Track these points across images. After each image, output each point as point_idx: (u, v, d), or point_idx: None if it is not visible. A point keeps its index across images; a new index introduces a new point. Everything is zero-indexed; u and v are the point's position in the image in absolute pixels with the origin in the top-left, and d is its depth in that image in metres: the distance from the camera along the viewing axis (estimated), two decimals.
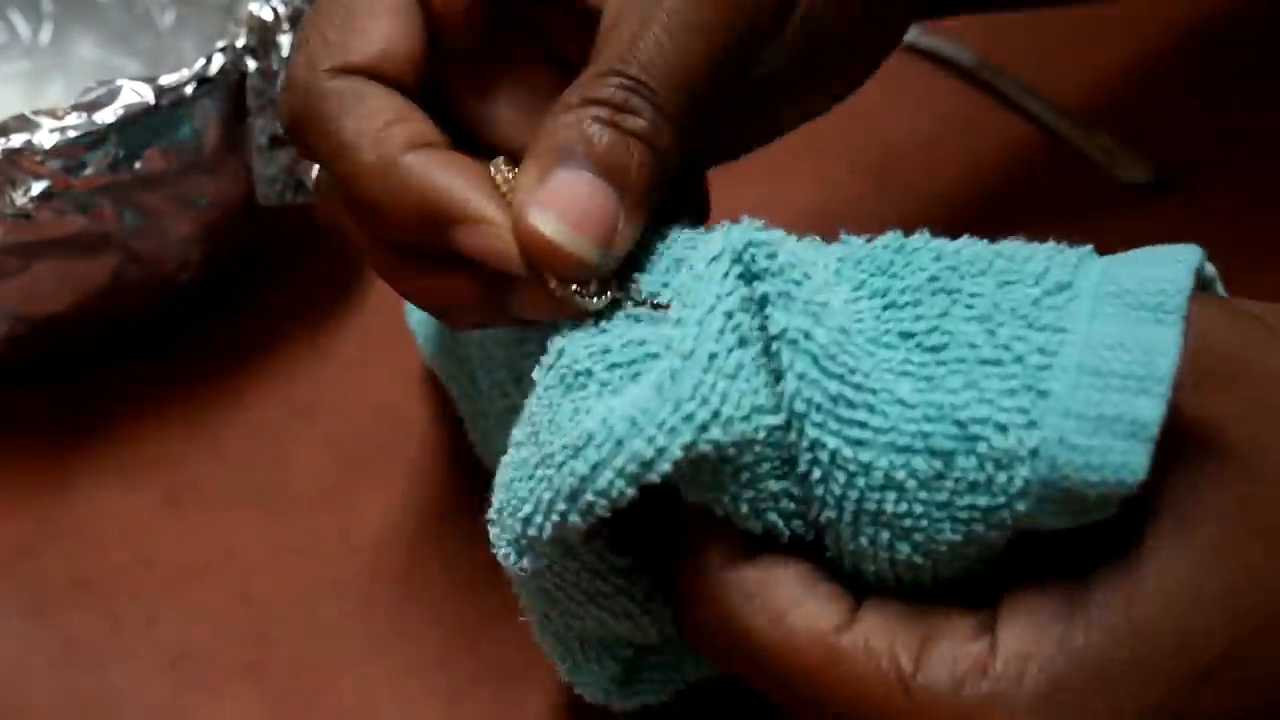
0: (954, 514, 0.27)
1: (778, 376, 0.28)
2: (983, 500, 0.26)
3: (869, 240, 0.30)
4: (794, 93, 0.35)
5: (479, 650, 0.38)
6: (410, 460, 0.43)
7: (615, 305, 0.30)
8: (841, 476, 0.27)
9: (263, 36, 0.42)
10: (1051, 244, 0.29)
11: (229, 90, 0.42)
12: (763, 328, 0.28)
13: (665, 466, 0.27)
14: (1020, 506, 0.26)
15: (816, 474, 0.27)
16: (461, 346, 0.39)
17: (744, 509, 0.28)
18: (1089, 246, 0.29)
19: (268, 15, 0.42)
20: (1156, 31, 0.58)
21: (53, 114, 0.39)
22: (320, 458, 0.44)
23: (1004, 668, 0.26)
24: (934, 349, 0.27)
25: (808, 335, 0.27)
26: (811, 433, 0.27)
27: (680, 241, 0.32)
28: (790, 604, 0.28)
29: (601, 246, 0.29)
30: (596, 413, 0.28)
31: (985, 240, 0.30)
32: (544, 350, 0.31)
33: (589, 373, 0.29)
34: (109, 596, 0.40)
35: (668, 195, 0.31)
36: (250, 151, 0.43)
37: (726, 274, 0.28)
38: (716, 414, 0.27)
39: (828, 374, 0.27)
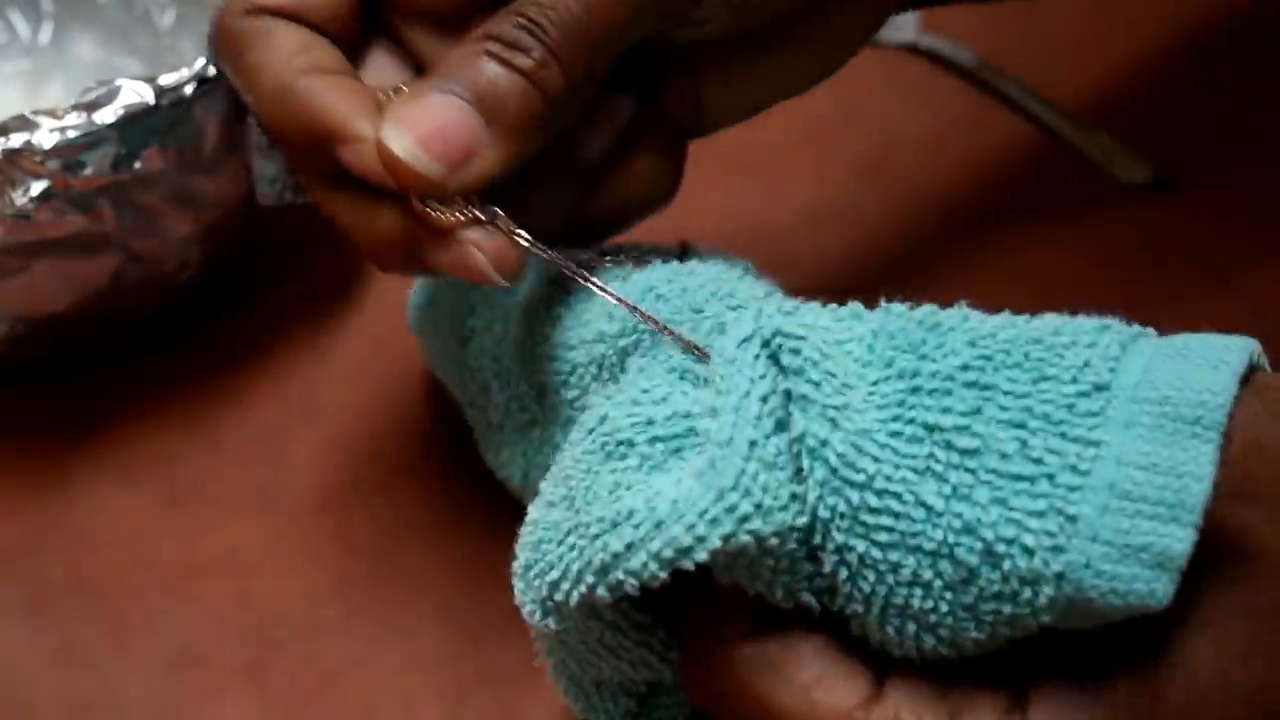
0: (979, 616, 0.27)
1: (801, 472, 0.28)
2: (1007, 609, 0.26)
3: (910, 308, 0.29)
4: (757, 66, 0.36)
5: (480, 650, 0.38)
6: (410, 460, 0.43)
7: (475, 223, 0.31)
8: (871, 575, 0.27)
9: None
10: (1095, 324, 0.28)
11: (229, 90, 0.41)
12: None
13: (702, 555, 0.27)
14: (1045, 618, 0.26)
15: (844, 573, 0.27)
16: (474, 357, 0.38)
17: (778, 592, 0.28)
18: (1135, 329, 0.28)
19: None
20: (1156, 31, 0.58)
21: (53, 114, 0.39)
22: (320, 458, 0.44)
23: None
24: (963, 452, 0.27)
25: (824, 443, 0.27)
26: (838, 537, 0.27)
27: (668, 278, 0.33)
28: (814, 678, 0.28)
29: (448, 167, 0.30)
30: (638, 491, 0.28)
31: (1024, 318, 0.29)
32: (568, 367, 0.32)
33: (631, 443, 0.29)
34: (109, 596, 0.40)
35: (651, 155, 0.33)
36: (250, 151, 0.43)
37: (758, 356, 0.28)
38: (759, 505, 0.27)
39: (848, 483, 0.27)
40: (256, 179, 0.44)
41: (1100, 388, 0.26)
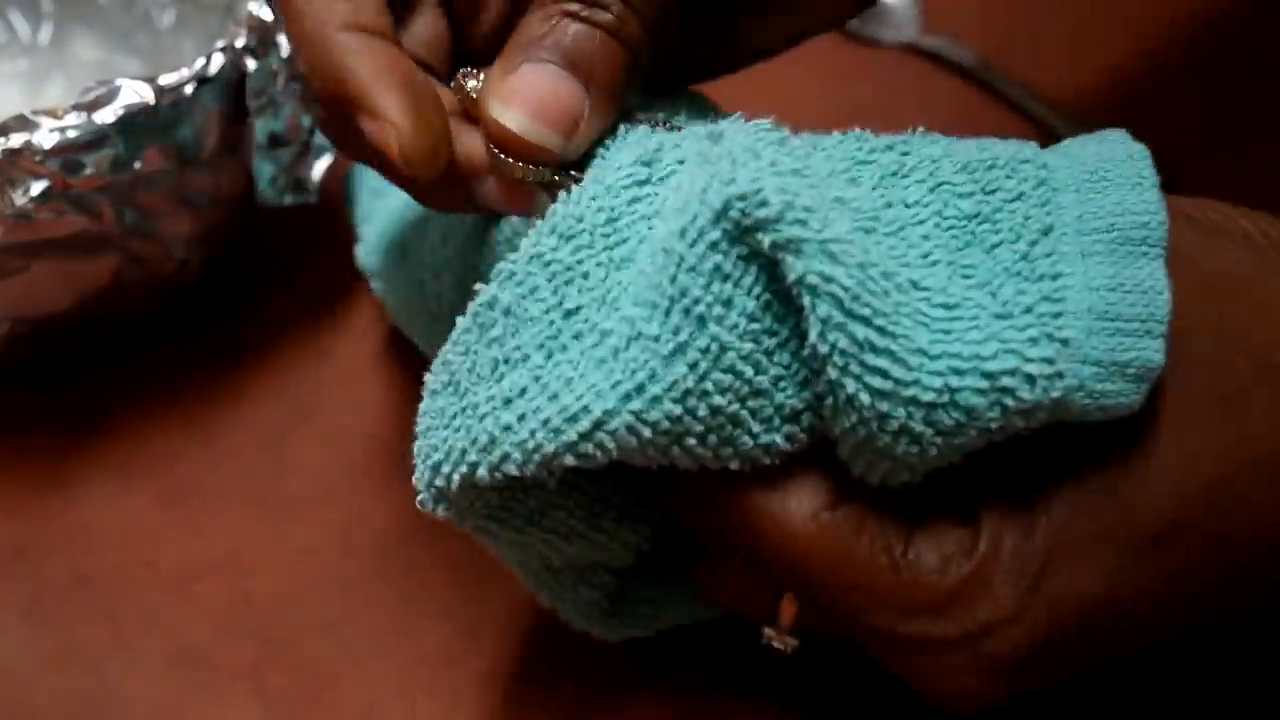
0: (958, 447, 0.28)
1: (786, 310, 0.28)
2: (995, 436, 0.27)
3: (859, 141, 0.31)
4: (778, 6, 0.36)
5: (481, 650, 0.38)
6: (410, 460, 0.43)
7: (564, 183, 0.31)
8: (853, 417, 0.27)
9: (263, 36, 0.42)
10: (1013, 162, 0.29)
11: (229, 90, 0.42)
12: (771, 277, 0.28)
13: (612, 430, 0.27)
14: (1022, 431, 0.27)
15: (828, 402, 0.28)
16: (435, 293, 0.39)
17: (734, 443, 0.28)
18: (1044, 157, 0.30)
19: (268, 15, 0.42)
20: (1156, 31, 0.58)
21: (52, 114, 0.39)
22: (320, 458, 0.44)
23: (985, 546, 0.28)
24: (944, 305, 0.28)
25: (828, 279, 0.26)
26: (831, 373, 0.27)
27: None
28: (782, 480, 0.29)
29: (563, 136, 0.30)
30: (524, 370, 0.28)
31: (957, 161, 0.30)
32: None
33: (494, 302, 0.30)
34: (109, 596, 0.40)
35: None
36: (250, 151, 0.43)
37: (683, 258, 0.27)
38: (641, 388, 0.27)
39: (854, 317, 0.27)
40: (256, 179, 0.44)
41: (1045, 231, 0.28)
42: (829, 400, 0.27)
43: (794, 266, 0.26)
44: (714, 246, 0.27)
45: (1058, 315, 0.27)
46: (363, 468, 0.43)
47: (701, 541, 0.32)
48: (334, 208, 0.50)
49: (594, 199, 0.30)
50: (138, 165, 0.40)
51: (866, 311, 0.26)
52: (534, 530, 0.31)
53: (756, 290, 0.27)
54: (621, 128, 0.32)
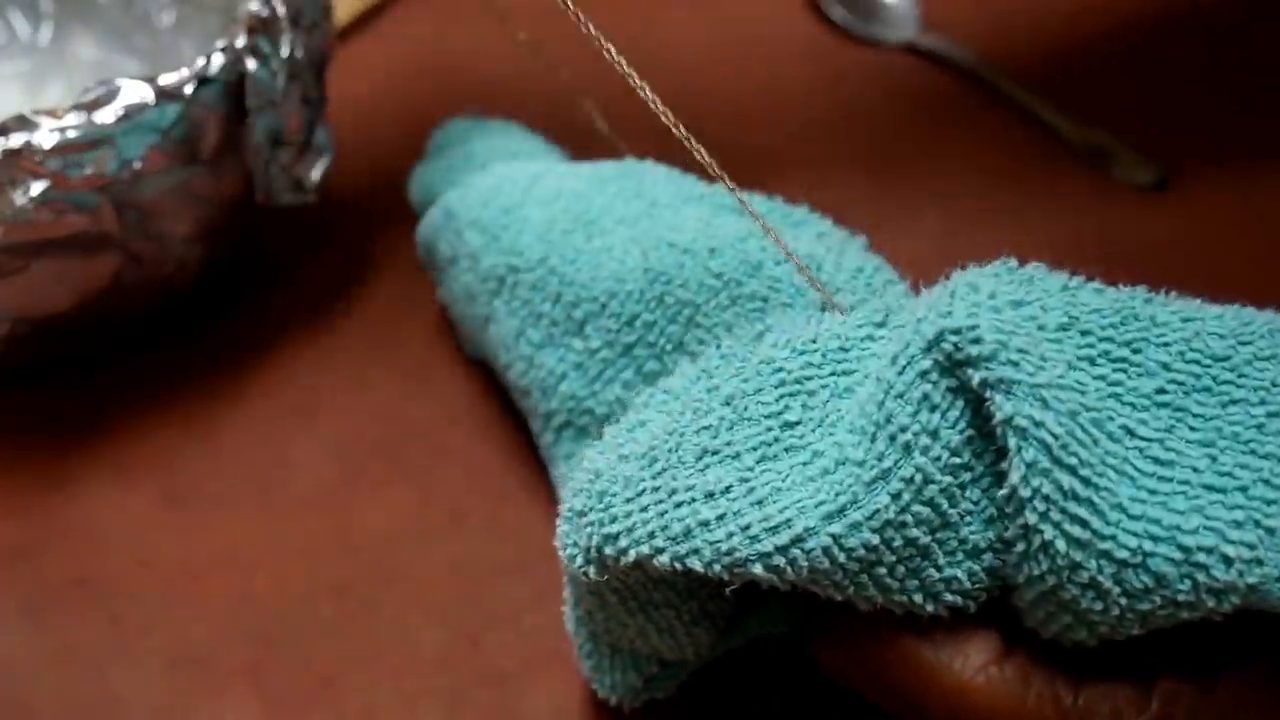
0: (1146, 619, 0.27)
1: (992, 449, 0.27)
2: (1183, 614, 0.26)
3: (1098, 293, 0.30)
4: None
5: (480, 651, 0.38)
6: (410, 460, 0.43)
7: None
8: (1044, 564, 0.27)
9: (263, 36, 0.42)
10: (1271, 330, 0.28)
11: (229, 90, 0.42)
12: (975, 412, 0.27)
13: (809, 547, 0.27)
14: (1214, 616, 0.26)
15: (1015, 551, 0.27)
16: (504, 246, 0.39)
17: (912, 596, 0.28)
18: None
19: (267, 15, 0.42)
20: (1157, 32, 0.58)
21: (52, 114, 0.39)
22: (320, 458, 0.44)
23: (1159, 705, 0.27)
24: (1158, 461, 0.27)
25: (1038, 424, 0.26)
26: (1030, 518, 0.26)
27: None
28: (950, 632, 0.28)
29: None
30: (733, 468, 0.28)
31: (1212, 315, 0.29)
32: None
33: (744, 413, 0.29)
34: (109, 596, 0.40)
35: None
36: (250, 151, 0.43)
37: (909, 365, 0.28)
38: (843, 511, 0.27)
39: (1060, 465, 0.26)
40: (256, 179, 0.44)
41: None
42: (1019, 545, 0.27)
43: (1003, 407, 0.26)
44: (924, 375, 0.27)
45: (1271, 502, 0.26)
46: (362, 468, 0.43)
47: (846, 685, 0.31)
48: (334, 208, 0.51)
49: (830, 329, 0.30)
50: (138, 165, 0.40)
51: (1073, 461, 0.26)
52: (640, 616, 0.31)
53: (961, 425, 0.27)
54: None
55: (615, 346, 0.36)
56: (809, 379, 0.29)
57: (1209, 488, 0.26)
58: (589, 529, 0.29)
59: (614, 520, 0.29)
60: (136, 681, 0.38)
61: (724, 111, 0.55)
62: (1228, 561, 0.26)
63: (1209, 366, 0.28)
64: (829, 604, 0.29)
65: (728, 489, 0.28)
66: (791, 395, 0.29)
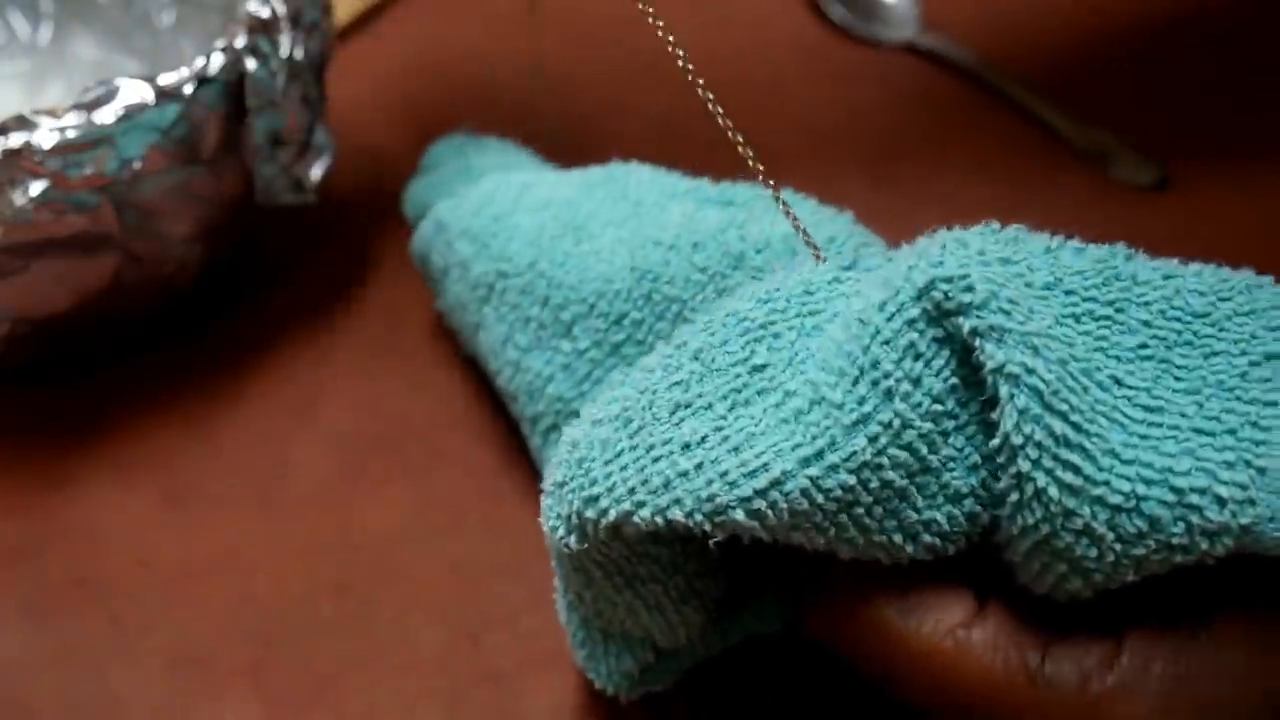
0: (1141, 563, 0.27)
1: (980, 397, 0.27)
2: (1177, 558, 0.27)
3: (1079, 253, 0.30)
4: None
5: (479, 651, 0.38)
6: (410, 460, 0.43)
7: None
8: (1038, 513, 0.27)
9: (263, 36, 0.42)
10: (1249, 286, 0.29)
11: (229, 90, 0.42)
12: (961, 362, 0.28)
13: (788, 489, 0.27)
14: (1207, 560, 0.26)
15: (1010, 501, 0.27)
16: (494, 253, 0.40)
17: (891, 536, 0.28)
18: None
19: (267, 15, 0.42)
20: (1158, 32, 0.58)
21: (52, 114, 0.39)
22: (320, 458, 0.44)
23: (1130, 661, 0.27)
24: (1146, 408, 0.27)
25: (1030, 370, 0.26)
26: (1023, 465, 0.27)
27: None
28: (918, 595, 0.29)
29: None
30: (706, 418, 0.28)
31: (1191, 272, 0.29)
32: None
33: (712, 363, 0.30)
34: (109, 596, 0.40)
35: None
36: (250, 151, 0.43)
37: (878, 333, 0.28)
38: (821, 454, 0.27)
39: (1052, 411, 0.26)
40: (256, 179, 0.44)
41: (1270, 356, 0.28)
42: (1013, 496, 0.27)
43: (994, 355, 0.27)
44: (911, 324, 0.28)
45: (1260, 443, 0.26)
46: (363, 468, 0.43)
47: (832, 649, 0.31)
48: (334, 208, 0.51)
49: (795, 277, 0.31)
50: (138, 165, 0.40)
51: (1064, 407, 0.26)
52: (628, 592, 0.31)
53: (945, 373, 0.28)
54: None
55: (604, 346, 0.36)
56: (773, 323, 0.30)
57: (1199, 431, 0.27)
58: (570, 495, 0.29)
59: (594, 483, 0.29)
60: (136, 681, 0.38)
61: (724, 111, 0.55)
62: (1221, 502, 0.26)
63: (1189, 322, 0.29)
64: (813, 573, 0.30)
65: (703, 439, 0.28)
66: (757, 340, 0.30)
